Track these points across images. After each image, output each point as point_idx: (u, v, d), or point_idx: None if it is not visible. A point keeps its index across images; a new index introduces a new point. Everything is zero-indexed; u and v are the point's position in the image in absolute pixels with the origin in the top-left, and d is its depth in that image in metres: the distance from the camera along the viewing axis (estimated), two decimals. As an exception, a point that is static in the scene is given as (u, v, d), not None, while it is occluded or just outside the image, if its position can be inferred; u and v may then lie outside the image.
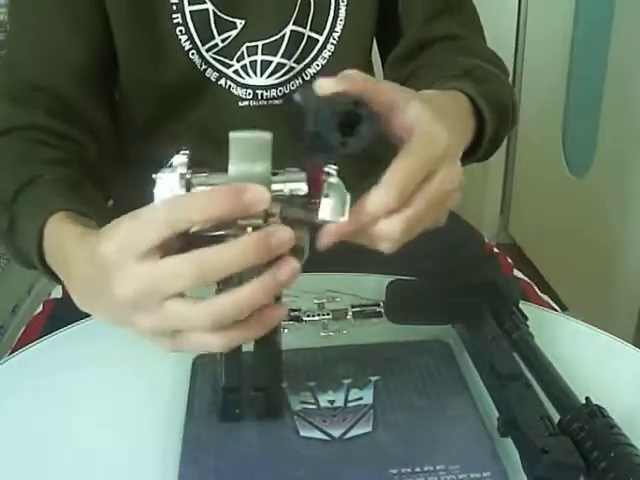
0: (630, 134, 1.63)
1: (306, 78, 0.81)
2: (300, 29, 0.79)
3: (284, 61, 0.79)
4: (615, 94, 1.68)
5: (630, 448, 0.47)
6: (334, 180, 0.48)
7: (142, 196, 0.47)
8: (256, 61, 0.79)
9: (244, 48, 0.78)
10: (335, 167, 0.48)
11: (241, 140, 0.46)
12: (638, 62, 1.57)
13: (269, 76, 0.79)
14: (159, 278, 0.45)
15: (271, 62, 0.79)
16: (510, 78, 0.83)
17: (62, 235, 0.57)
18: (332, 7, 0.79)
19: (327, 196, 0.48)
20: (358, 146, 0.44)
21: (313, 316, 0.68)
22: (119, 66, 0.80)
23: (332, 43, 0.80)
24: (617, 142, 1.69)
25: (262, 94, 0.80)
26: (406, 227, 0.49)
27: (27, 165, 0.66)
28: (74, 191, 0.63)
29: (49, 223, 0.59)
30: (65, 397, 0.59)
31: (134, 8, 0.75)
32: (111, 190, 0.77)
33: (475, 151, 0.69)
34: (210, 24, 0.76)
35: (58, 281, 0.60)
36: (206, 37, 0.76)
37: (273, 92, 0.80)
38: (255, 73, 0.79)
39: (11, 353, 0.70)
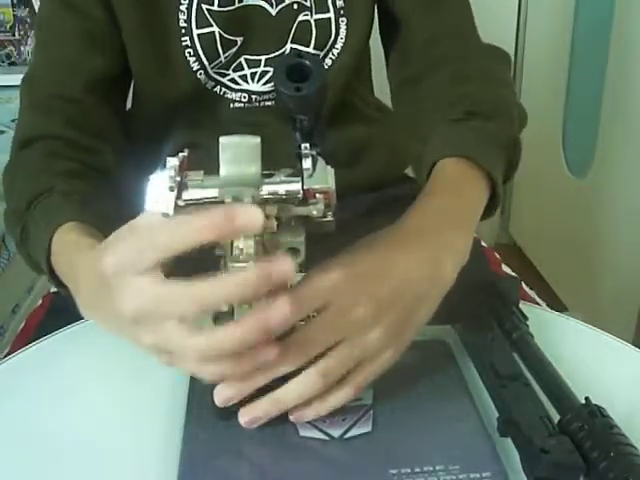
0: (630, 134, 1.63)
1: None
2: (301, 47, 0.81)
3: None
4: (615, 94, 1.68)
5: (630, 448, 0.47)
6: (312, 152, 0.48)
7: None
8: (256, 72, 0.81)
9: (242, 59, 0.81)
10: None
11: (231, 144, 0.47)
12: (638, 62, 1.57)
13: (265, 83, 0.81)
14: (159, 301, 0.45)
15: (268, 72, 0.81)
16: (510, 75, 0.83)
17: (69, 245, 0.59)
18: (333, 27, 0.81)
19: (306, 163, 0.48)
20: (311, 87, 0.45)
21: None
22: (134, 82, 0.83)
23: (330, 58, 0.82)
24: (617, 142, 1.69)
25: (256, 98, 0.82)
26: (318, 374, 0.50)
27: (43, 177, 0.69)
28: (85, 203, 0.65)
29: (57, 233, 0.61)
30: (65, 397, 0.59)
31: (144, 28, 0.77)
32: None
33: (494, 197, 0.68)
34: (216, 45, 0.78)
35: (65, 291, 0.61)
36: (213, 57, 0.79)
37: (266, 96, 0.82)
38: (253, 80, 0.81)
39: (11, 348, 0.70)
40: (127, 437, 0.55)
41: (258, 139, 0.47)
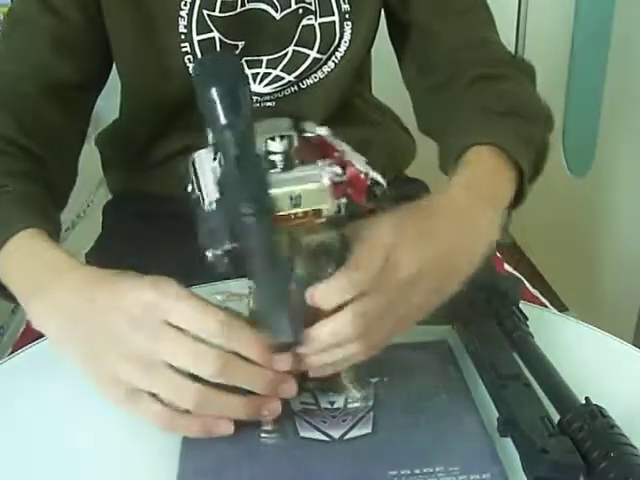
0: (630, 134, 1.63)
1: (302, 87, 0.83)
2: (305, 50, 0.80)
3: (283, 74, 0.81)
4: (615, 94, 1.68)
5: (630, 448, 0.48)
6: None
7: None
8: (258, 73, 0.81)
9: (242, 61, 0.80)
10: None
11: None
12: (638, 62, 1.57)
13: (266, 85, 0.81)
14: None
15: (270, 74, 0.81)
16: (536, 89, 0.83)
17: (36, 255, 0.59)
18: (337, 31, 0.81)
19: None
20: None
21: None
22: (122, 89, 0.82)
23: (333, 61, 0.82)
24: (617, 142, 1.68)
25: (256, 99, 0.82)
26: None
27: None
28: (35, 207, 0.64)
29: (15, 239, 0.59)
30: (65, 397, 0.59)
31: (142, 38, 0.77)
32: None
33: (521, 191, 0.69)
34: (216, 50, 0.78)
35: (7, 298, 0.61)
36: None
37: (267, 97, 0.82)
38: (255, 82, 0.81)
39: (13, 348, 0.70)
40: (127, 437, 0.55)
41: None
